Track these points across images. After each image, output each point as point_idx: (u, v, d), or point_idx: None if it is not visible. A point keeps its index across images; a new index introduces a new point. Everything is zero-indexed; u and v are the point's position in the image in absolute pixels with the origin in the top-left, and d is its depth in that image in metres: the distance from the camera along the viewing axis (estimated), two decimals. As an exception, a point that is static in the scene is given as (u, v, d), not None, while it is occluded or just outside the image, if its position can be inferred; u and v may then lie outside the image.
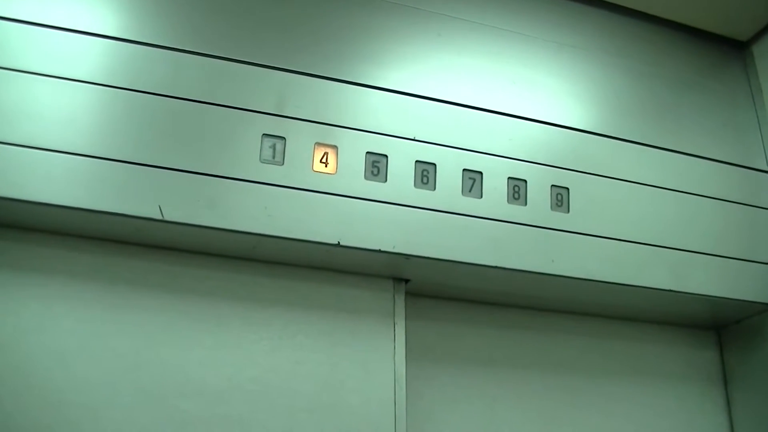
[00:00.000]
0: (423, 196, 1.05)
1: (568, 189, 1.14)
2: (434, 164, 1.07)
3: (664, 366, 1.33)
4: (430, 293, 1.19)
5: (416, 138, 1.08)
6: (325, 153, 1.03)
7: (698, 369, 1.35)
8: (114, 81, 0.97)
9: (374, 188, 1.03)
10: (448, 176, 1.08)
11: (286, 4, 1.10)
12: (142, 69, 0.99)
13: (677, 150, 1.26)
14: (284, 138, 1.01)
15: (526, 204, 1.11)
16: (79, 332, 0.96)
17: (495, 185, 1.10)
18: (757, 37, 1.38)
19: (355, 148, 1.04)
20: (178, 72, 1.00)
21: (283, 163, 1.00)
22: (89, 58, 0.97)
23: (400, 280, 1.13)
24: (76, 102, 0.95)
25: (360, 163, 1.04)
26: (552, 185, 1.13)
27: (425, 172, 1.07)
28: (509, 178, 1.11)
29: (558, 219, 1.12)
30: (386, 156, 1.05)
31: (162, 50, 1.00)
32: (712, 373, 1.36)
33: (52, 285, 0.97)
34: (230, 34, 1.05)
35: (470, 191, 1.08)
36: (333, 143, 1.03)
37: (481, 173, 1.10)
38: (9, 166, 0.89)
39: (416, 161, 1.07)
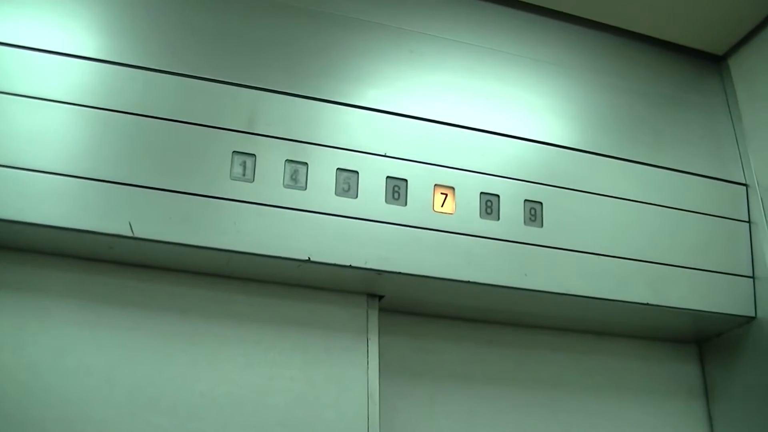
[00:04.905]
0: (394, 212, 1.06)
1: (541, 203, 1.14)
2: (405, 180, 1.08)
3: (644, 380, 1.32)
4: (404, 309, 1.19)
5: (387, 154, 1.09)
6: (295, 170, 1.04)
7: (679, 383, 1.34)
8: (85, 101, 0.98)
9: (345, 204, 1.04)
10: (420, 192, 1.08)
11: (257, 23, 1.11)
12: (114, 88, 0.99)
13: (654, 164, 1.25)
14: (254, 155, 1.02)
15: (498, 219, 1.11)
16: (52, 349, 0.96)
17: (467, 200, 1.10)
18: (733, 50, 1.38)
19: (325, 165, 1.05)
20: (149, 91, 1.01)
21: (253, 180, 1.01)
22: (61, 79, 0.98)
23: (373, 296, 1.13)
24: (48, 122, 0.95)
25: (330, 180, 1.05)
26: (525, 200, 1.13)
27: (396, 188, 1.07)
28: (482, 193, 1.11)
29: (531, 233, 1.12)
30: (357, 172, 1.06)
31: (133, 69, 1.01)
32: (693, 387, 1.35)
33: (26, 302, 0.98)
34: (201, 52, 1.06)
35: (442, 206, 1.09)
36: (303, 160, 1.04)
37: (453, 188, 1.10)
38: (-19, 186, 0.90)
39: (387, 177, 1.07)
